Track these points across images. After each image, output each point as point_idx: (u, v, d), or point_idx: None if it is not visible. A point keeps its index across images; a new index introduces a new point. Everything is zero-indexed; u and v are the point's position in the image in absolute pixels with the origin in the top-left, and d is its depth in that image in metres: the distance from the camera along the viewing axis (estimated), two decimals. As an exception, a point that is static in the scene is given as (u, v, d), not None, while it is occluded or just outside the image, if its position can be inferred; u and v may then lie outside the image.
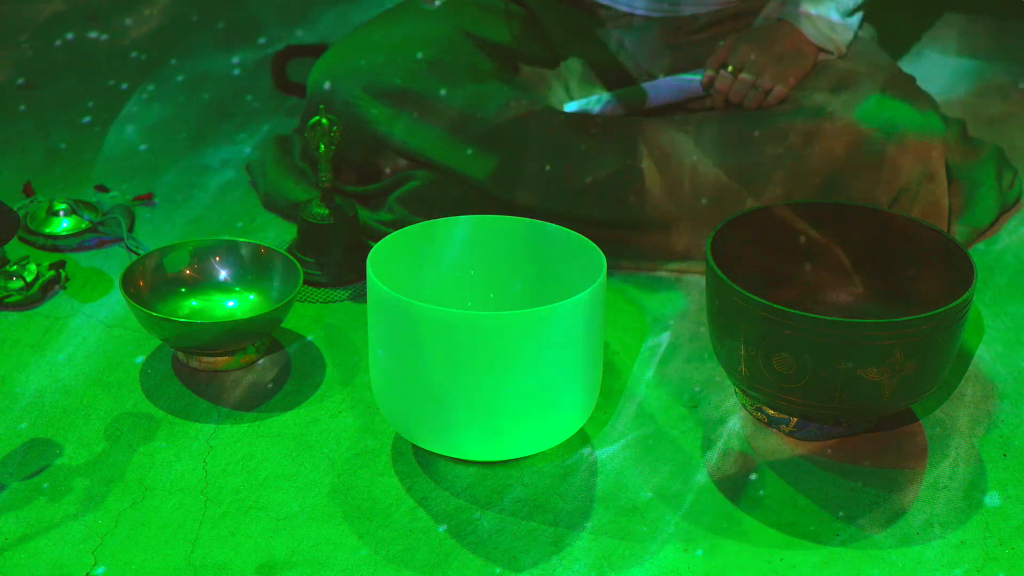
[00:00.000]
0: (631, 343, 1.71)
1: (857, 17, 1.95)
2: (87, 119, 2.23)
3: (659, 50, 1.99)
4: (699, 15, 1.98)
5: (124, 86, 2.34)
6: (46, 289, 1.76)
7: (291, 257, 1.69)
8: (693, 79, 1.95)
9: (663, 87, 1.96)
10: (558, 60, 2.01)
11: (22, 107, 2.27)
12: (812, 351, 1.43)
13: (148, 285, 1.66)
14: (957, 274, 1.52)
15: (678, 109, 1.98)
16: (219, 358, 1.62)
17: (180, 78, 2.37)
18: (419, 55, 1.92)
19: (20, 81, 2.22)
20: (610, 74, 2.00)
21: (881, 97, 1.87)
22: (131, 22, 2.56)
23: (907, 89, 1.90)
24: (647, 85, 1.96)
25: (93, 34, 2.50)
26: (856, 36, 1.97)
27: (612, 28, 2.00)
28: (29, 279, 1.74)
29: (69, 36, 2.51)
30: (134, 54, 2.45)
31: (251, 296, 1.69)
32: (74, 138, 2.17)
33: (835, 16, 1.93)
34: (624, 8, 1.99)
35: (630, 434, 1.55)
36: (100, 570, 1.35)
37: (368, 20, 2.04)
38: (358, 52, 1.94)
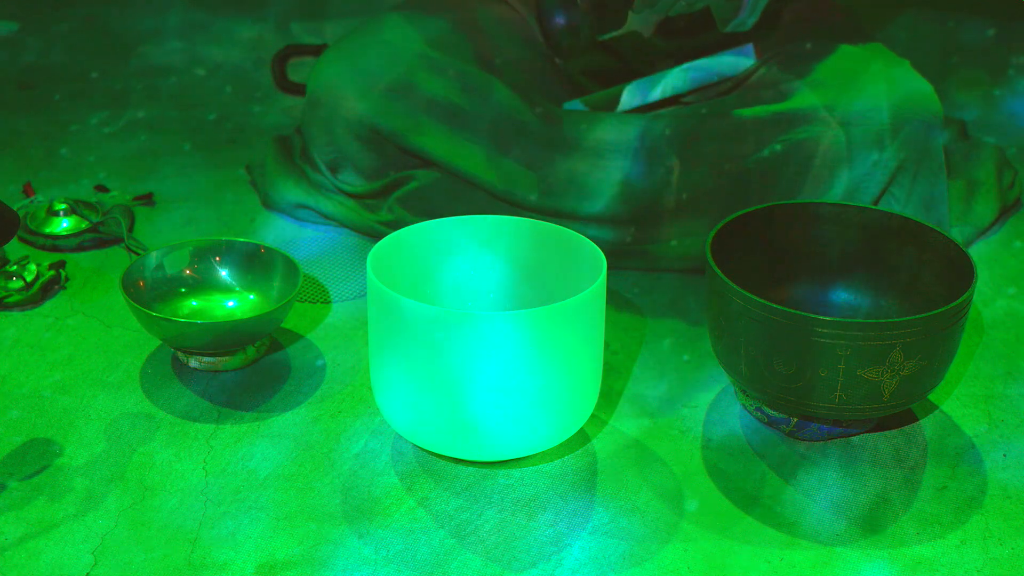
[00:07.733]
0: (631, 343, 1.71)
1: None
2: (87, 119, 2.23)
3: (654, 44, 1.98)
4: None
5: (123, 86, 2.34)
6: (46, 289, 1.76)
7: (291, 257, 1.69)
8: (708, 72, 1.94)
9: (667, 80, 1.95)
10: (557, 60, 2.01)
11: (22, 107, 2.27)
12: (812, 351, 1.43)
13: (148, 285, 1.66)
14: (957, 274, 1.52)
15: (672, 101, 1.98)
16: (219, 358, 1.62)
17: (177, 79, 2.37)
18: (422, 53, 1.92)
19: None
20: (609, 71, 1.99)
21: (877, 75, 1.87)
22: (131, 23, 2.56)
23: (902, 69, 1.90)
24: (651, 79, 1.95)
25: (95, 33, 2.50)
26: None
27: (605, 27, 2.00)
28: (29, 279, 1.74)
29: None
30: (131, 51, 2.45)
31: (251, 296, 1.69)
32: (74, 138, 2.17)
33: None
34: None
35: (630, 434, 1.55)
36: (100, 570, 1.35)
37: (365, 20, 2.04)
38: (359, 51, 1.94)
